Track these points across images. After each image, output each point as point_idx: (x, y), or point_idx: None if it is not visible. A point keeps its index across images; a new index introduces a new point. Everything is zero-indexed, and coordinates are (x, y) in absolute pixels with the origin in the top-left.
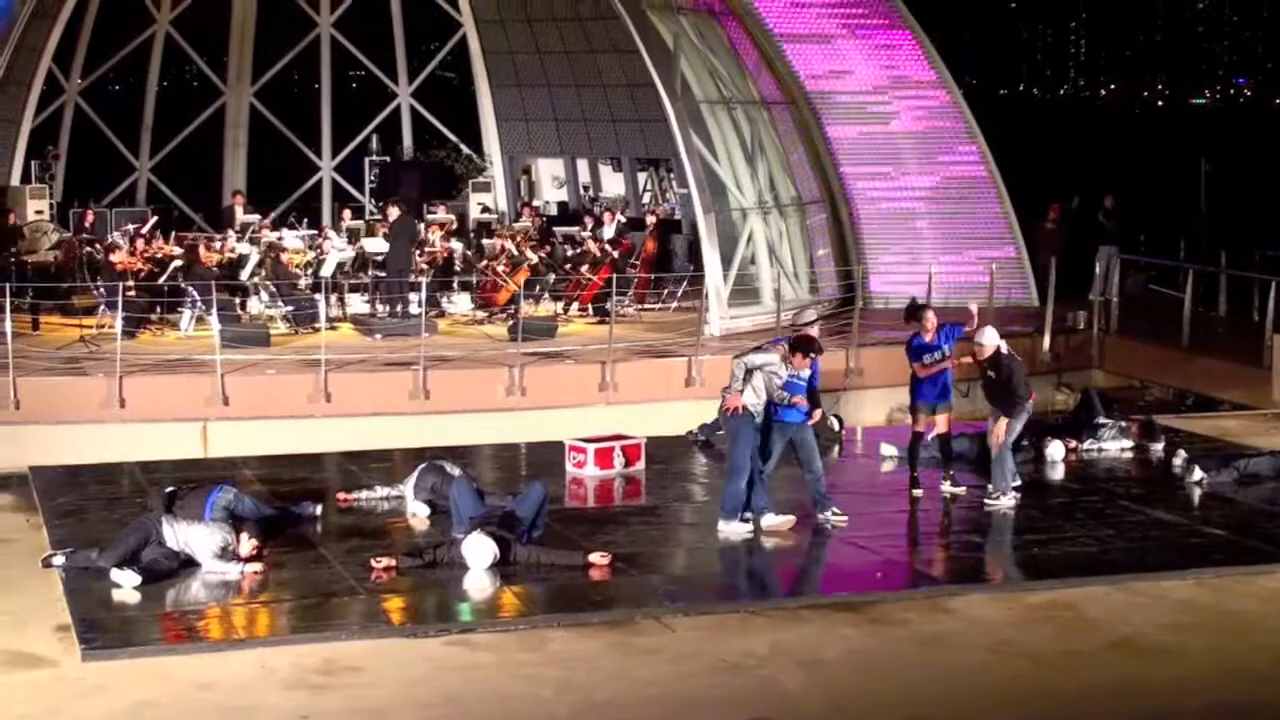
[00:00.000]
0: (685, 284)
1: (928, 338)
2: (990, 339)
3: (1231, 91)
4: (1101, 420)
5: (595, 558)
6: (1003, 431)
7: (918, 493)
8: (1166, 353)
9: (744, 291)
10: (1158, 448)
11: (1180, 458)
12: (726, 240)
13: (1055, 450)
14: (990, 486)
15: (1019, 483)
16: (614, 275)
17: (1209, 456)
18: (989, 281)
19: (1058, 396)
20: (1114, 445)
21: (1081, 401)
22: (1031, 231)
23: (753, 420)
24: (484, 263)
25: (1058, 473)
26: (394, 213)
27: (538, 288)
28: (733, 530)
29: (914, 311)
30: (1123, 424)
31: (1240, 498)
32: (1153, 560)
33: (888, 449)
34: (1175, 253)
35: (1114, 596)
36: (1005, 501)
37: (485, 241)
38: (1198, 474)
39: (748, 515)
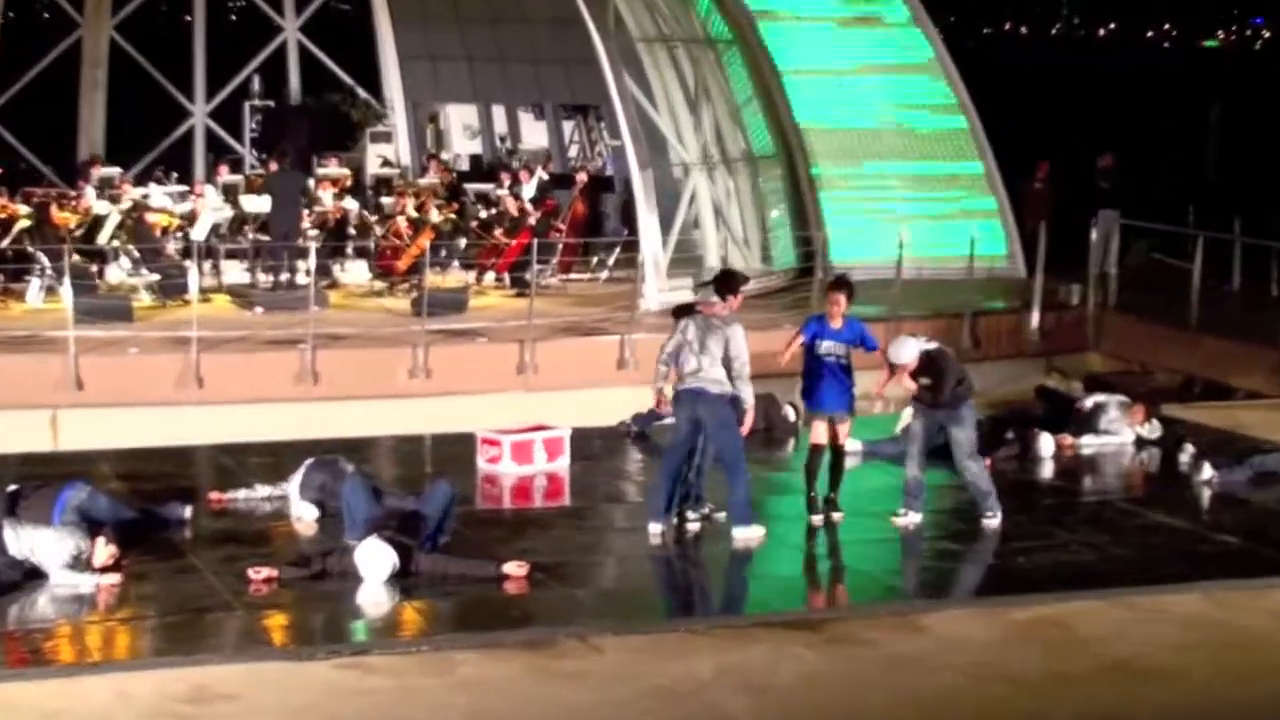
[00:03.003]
0: (618, 251)
1: (834, 323)
2: (908, 352)
3: (1248, 33)
4: (1091, 402)
5: (511, 568)
6: (968, 442)
7: (817, 519)
8: (1172, 332)
9: (686, 260)
10: (1152, 432)
11: (1187, 453)
12: (666, 200)
13: (1044, 445)
14: (978, 508)
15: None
16: (535, 240)
17: (1220, 452)
18: (969, 249)
19: (1048, 383)
20: (1115, 440)
21: (1047, 402)
22: (1018, 192)
23: None
24: (383, 225)
25: (1046, 471)
26: (275, 166)
27: (446, 254)
28: (752, 535)
29: (828, 286)
30: (1123, 400)
31: (1255, 499)
32: (1155, 571)
33: (852, 444)
34: (1182, 218)
35: (1110, 612)
36: (998, 519)
37: (385, 200)
38: (1207, 472)
39: (695, 513)
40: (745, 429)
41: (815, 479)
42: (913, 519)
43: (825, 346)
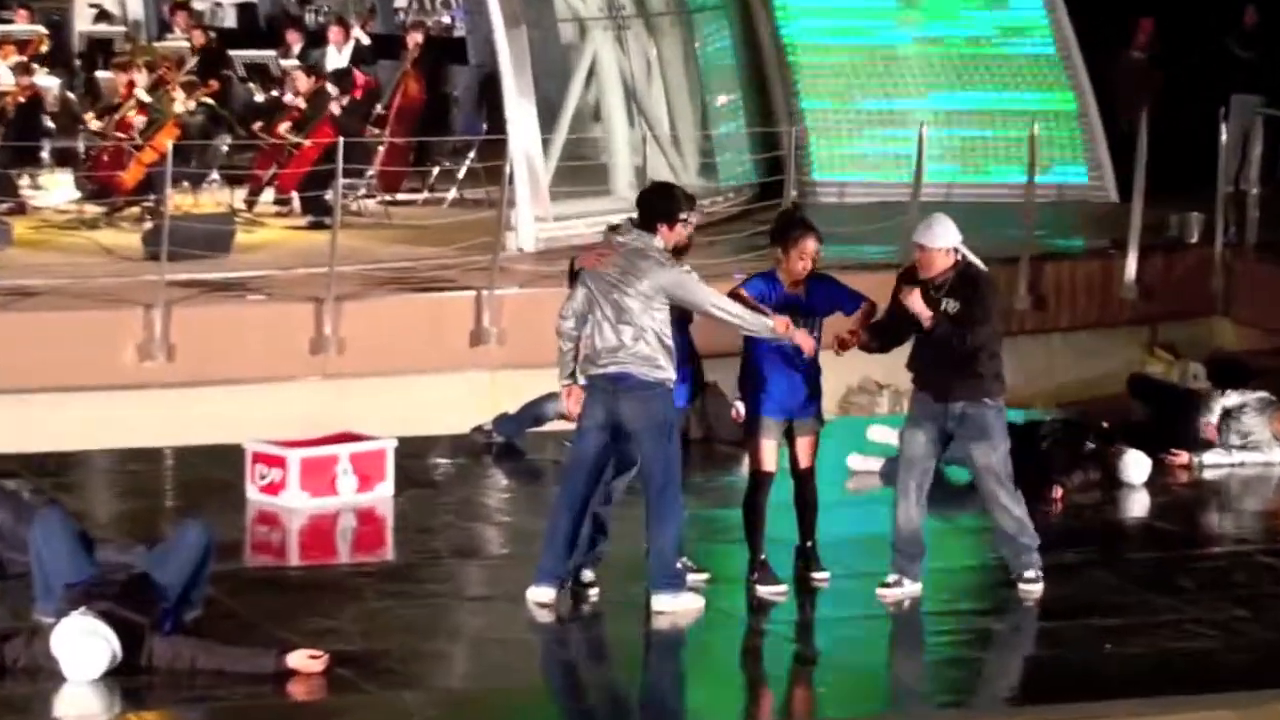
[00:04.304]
0: (472, 156)
1: (788, 286)
2: (946, 234)
3: None
4: (1218, 401)
5: (299, 659)
6: (998, 466)
7: (771, 591)
8: None
9: (581, 171)
10: None
11: None
12: (550, 78)
13: (1133, 467)
14: (1010, 564)
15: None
16: (341, 139)
17: None
18: (1028, 155)
19: (1152, 368)
20: (1254, 458)
21: (1147, 399)
22: (1106, 68)
23: None
24: (100, 116)
25: (1142, 505)
26: None
27: (199, 161)
28: (682, 607)
29: (784, 229)
30: (1266, 397)
31: None
32: None
33: (857, 462)
34: None
35: None
36: (1040, 584)
37: (103, 76)
38: None
39: (589, 577)
40: (805, 344)
41: (762, 525)
42: (908, 591)
43: None
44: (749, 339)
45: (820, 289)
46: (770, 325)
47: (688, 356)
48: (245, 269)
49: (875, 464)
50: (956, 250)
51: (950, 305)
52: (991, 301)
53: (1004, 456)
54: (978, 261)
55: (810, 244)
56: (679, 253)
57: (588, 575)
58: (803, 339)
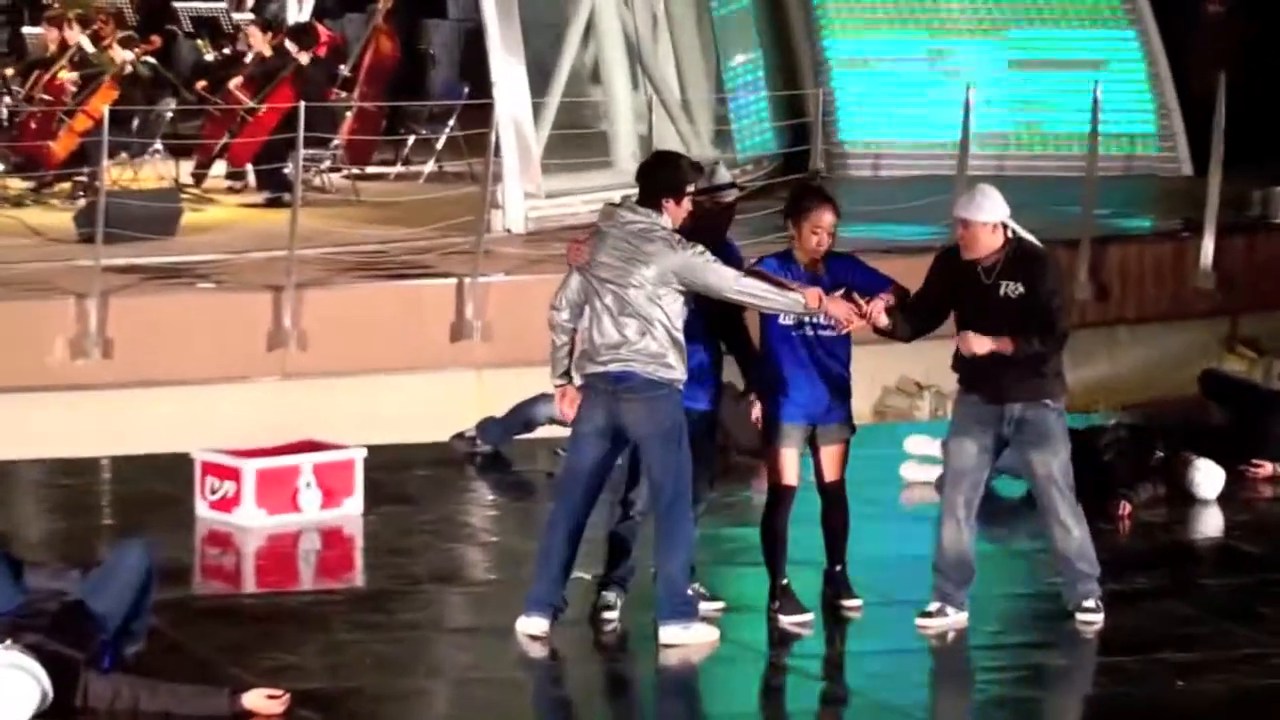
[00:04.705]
0: (453, 124)
1: (805, 266)
2: (991, 208)
3: None
4: None
5: (254, 700)
6: (1059, 475)
7: (795, 621)
8: None
9: (578, 141)
10: None
11: None
12: (541, 33)
13: (1204, 479)
14: (1064, 591)
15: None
16: (303, 104)
17: None
18: (1091, 120)
19: (1231, 365)
20: None
21: (1223, 400)
22: (1181, 24)
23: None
24: (25, 75)
25: (1217, 524)
26: None
27: (140, 127)
28: (693, 639)
29: (796, 200)
30: None
31: None
32: None
33: (911, 471)
34: None
35: None
36: (1100, 615)
37: (30, 32)
38: None
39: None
40: (841, 311)
41: (783, 546)
42: (952, 621)
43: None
44: (765, 330)
45: (841, 269)
46: (801, 300)
47: (714, 354)
48: (193, 253)
49: (931, 474)
50: (1005, 226)
51: (1011, 289)
52: (1060, 281)
53: (1065, 464)
54: (1031, 238)
55: (826, 216)
56: (720, 231)
57: (609, 599)
58: (838, 306)
